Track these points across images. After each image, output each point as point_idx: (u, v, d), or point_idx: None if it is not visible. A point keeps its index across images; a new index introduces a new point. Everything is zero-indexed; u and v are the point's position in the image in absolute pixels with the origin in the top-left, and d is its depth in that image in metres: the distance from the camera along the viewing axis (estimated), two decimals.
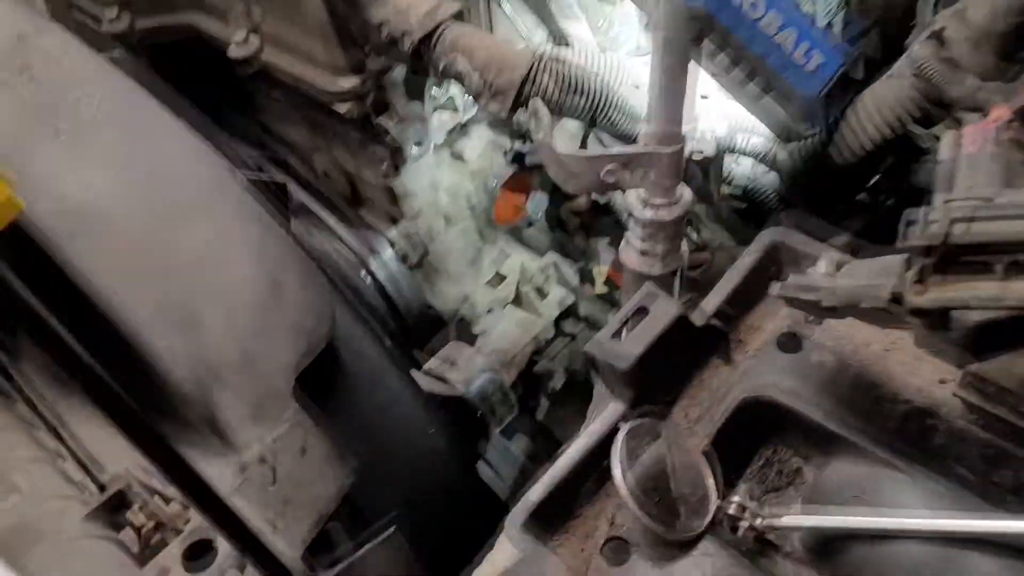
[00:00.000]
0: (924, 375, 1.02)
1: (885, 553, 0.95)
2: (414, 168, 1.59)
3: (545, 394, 1.86)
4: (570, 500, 1.00)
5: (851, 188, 1.37)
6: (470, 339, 1.75)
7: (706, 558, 0.96)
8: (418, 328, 1.66)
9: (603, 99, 1.28)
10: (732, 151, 1.37)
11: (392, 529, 1.10)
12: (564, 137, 1.49)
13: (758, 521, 1.01)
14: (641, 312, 1.04)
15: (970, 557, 0.90)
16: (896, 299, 0.85)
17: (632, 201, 1.15)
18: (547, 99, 1.23)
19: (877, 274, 0.88)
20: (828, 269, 0.97)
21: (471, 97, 1.30)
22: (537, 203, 1.96)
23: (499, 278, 1.82)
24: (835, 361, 1.06)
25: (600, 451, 1.01)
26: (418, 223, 1.67)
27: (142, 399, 1.00)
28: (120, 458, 0.94)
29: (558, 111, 1.27)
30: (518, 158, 1.83)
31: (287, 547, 0.95)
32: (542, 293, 1.84)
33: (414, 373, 1.48)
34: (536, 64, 1.23)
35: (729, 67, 1.13)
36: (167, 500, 0.90)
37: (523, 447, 1.86)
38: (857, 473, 1.02)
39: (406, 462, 1.18)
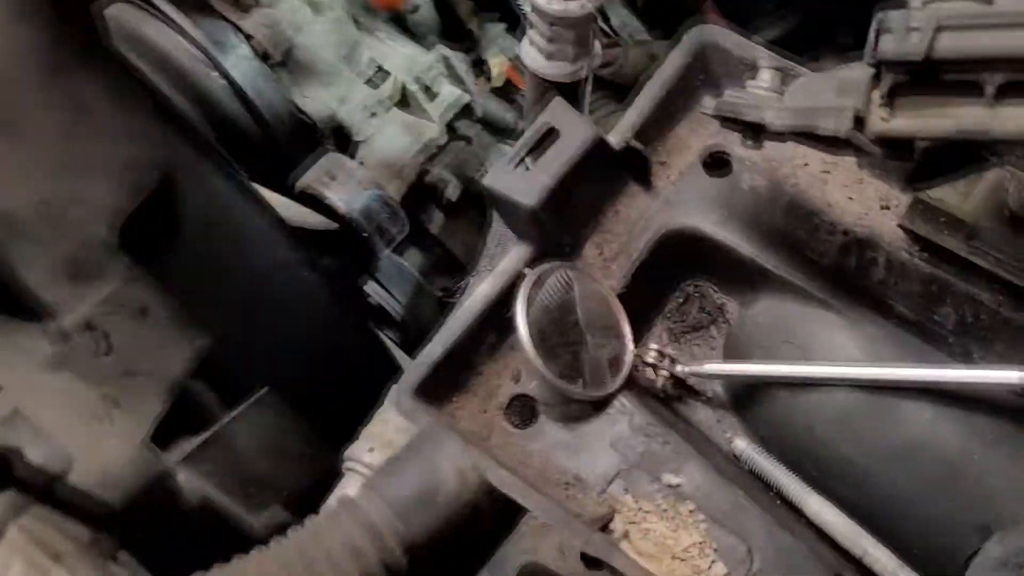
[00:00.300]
0: (866, 200, 0.90)
1: (813, 401, 0.87)
2: None
3: (439, 207, 1.69)
4: (470, 355, 0.87)
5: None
6: (350, 153, 1.54)
7: (622, 416, 0.86)
8: (288, 141, 1.44)
9: None
10: None
11: (264, 390, 0.95)
12: None
13: (678, 368, 0.91)
14: (548, 135, 0.86)
15: (903, 404, 0.83)
16: (859, 123, 0.70)
17: None
18: None
19: (835, 92, 0.72)
20: (772, 83, 0.80)
21: None
22: None
23: (381, 75, 1.58)
24: (768, 186, 0.93)
25: (502, 300, 0.87)
26: (279, 11, 1.40)
27: None
28: None
29: None
30: None
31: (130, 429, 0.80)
32: (431, 92, 1.61)
33: (284, 202, 1.28)
34: None
35: None
36: None
37: (417, 263, 1.71)
38: (787, 313, 0.92)
39: (279, 314, 1.01)
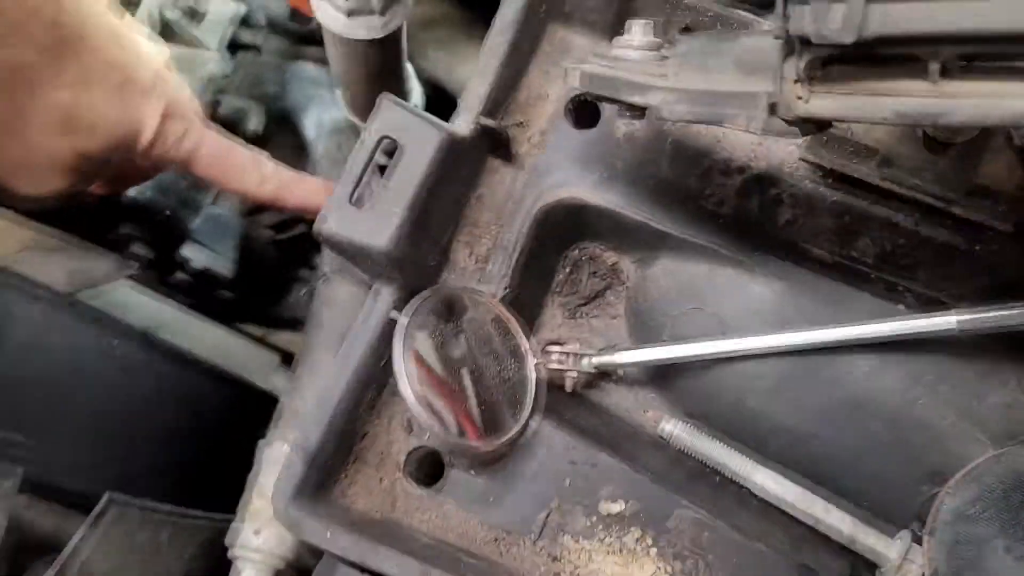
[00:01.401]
0: None
1: (741, 371, 0.79)
2: None
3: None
4: (350, 421, 0.72)
5: None
6: None
7: (538, 444, 0.75)
8: None
9: None
10: None
11: (105, 499, 0.78)
12: None
13: (585, 363, 0.80)
14: (385, 147, 0.67)
15: (837, 362, 0.76)
16: (772, 109, 0.56)
17: None
18: None
19: (738, 70, 0.57)
20: (647, 41, 0.64)
21: None
22: None
23: (128, 6, 1.26)
24: (644, 131, 0.78)
25: (375, 353, 0.71)
26: None
27: None
28: None
29: None
30: None
31: None
32: (197, 13, 1.31)
33: None
34: None
35: None
36: None
37: (233, 207, 1.48)
38: (692, 275, 0.81)
39: (90, 406, 0.80)
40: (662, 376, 0.83)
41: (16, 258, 0.96)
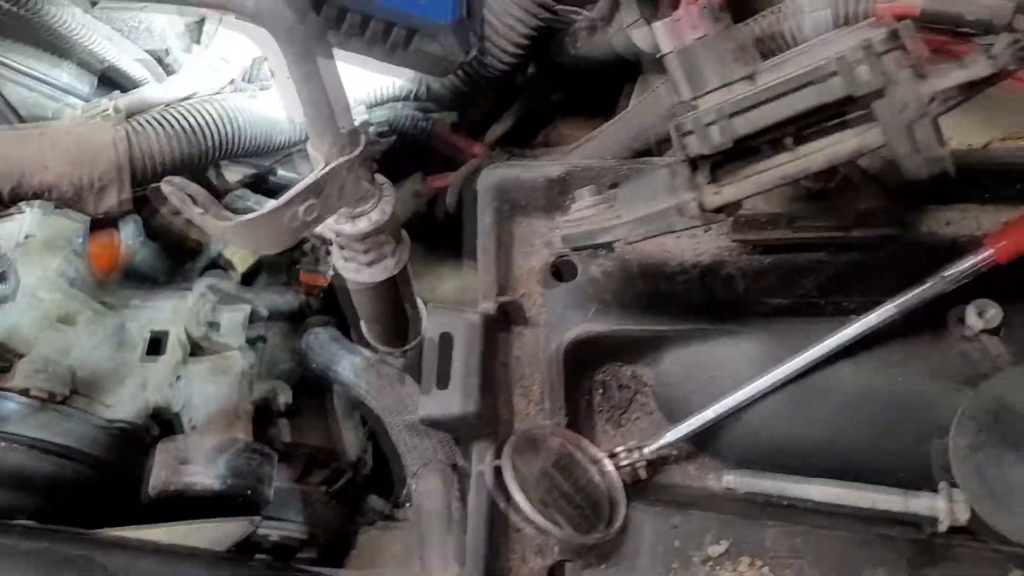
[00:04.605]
0: (688, 232, 1.02)
1: (760, 411, 0.98)
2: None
3: (278, 415, 1.64)
4: (498, 564, 0.89)
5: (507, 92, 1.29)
6: (178, 427, 1.45)
7: (641, 526, 0.92)
8: (120, 461, 1.32)
9: (231, 127, 1.01)
10: (380, 104, 1.18)
11: None
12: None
13: (646, 453, 0.99)
14: (444, 341, 0.89)
15: (825, 376, 0.96)
16: (700, 206, 0.80)
17: (336, 223, 0.95)
18: (167, 165, 0.94)
19: (663, 192, 0.82)
20: (594, 199, 0.89)
21: (65, 206, 0.93)
22: (131, 229, 1.60)
23: (159, 341, 1.50)
24: (614, 265, 1.02)
25: (491, 504, 0.89)
26: (40, 352, 1.27)
27: None
28: None
29: (186, 169, 0.99)
30: None
31: None
32: (214, 325, 1.55)
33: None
34: (133, 126, 0.91)
35: (359, 31, 0.93)
36: None
37: (288, 476, 1.65)
38: (693, 354, 1.02)
39: None
40: (706, 443, 1.02)
41: None
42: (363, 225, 0.96)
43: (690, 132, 0.76)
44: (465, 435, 0.91)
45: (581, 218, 0.89)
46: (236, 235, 0.87)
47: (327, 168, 0.89)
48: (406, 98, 1.22)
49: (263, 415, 1.61)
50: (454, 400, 0.86)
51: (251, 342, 1.65)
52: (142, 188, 0.97)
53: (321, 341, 1.55)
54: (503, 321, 0.97)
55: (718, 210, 0.81)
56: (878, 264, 0.97)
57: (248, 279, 1.73)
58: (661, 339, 1.02)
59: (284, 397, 1.61)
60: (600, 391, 1.06)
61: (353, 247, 1.00)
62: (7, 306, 1.23)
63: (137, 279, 1.62)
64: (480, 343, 0.88)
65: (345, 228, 0.96)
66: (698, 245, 1.02)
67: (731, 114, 0.74)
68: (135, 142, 0.93)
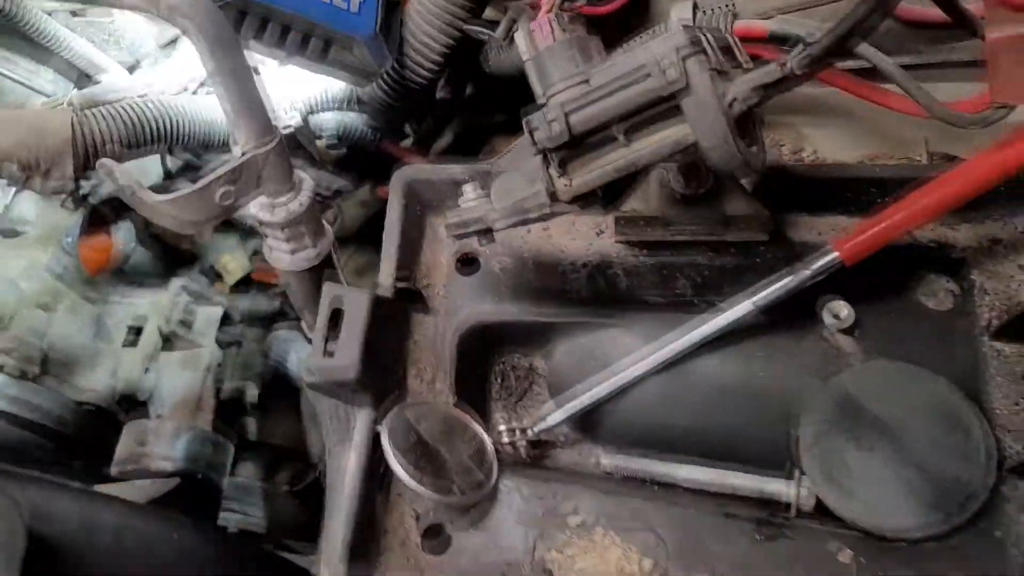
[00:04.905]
0: (585, 234, 1.12)
1: (635, 398, 1.06)
2: None
3: (246, 413, 1.75)
4: (369, 519, 0.97)
5: (430, 101, 1.41)
6: (145, 412, 1.56)
7: (511, 495, 1.00)
8: (87, 438, 1.45)
9: (171, 121, 1.14)
10: (314, 112, 1.31)
11: None
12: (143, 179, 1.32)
13: (529, 433, 1.07)
14: (335, 315, 0.99)
15: (693, 366, 1.04)
16: (552, 196, 0.90)
17: (258, 211, 1.07)
18: (111, 151, 1.07)
19: (525, 184, 0.92)
20: (477, 193, 0.99)
21: (13, 186, 1.06)
22: (124, 233, 1.74)
23: (135, 332, 1.62)
24: (512, 261, 1.12)
25: (371, 465, 0.98)
26: (15, 331, 1.41)
27: None
28: None
29: (128, 156, 1.12)
30: (80, 200, 1.59)
31: None
32: (187, 323, 1.68)
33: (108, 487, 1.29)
34: (81, 115, 1.05)
35: (280, 39, 1.06)
36: None
37: (252, 472, 1.75)
38: (580, 345, 1.11)
39: None
40: (588, 429, 1.10)
41: None
42: (281, 215, 1.08)
43: (536, 128, 0.86)
44: (349, 401, 1.00)
45: (465, 209, 0.98)
46: (160, 211, 0.99)
47: (243, 157, 1.01)
48: (339, 106, 1.34)
49: (234, 411, 1.72)
50: (335, 365, 0.96)
51: (226, 344, 1.78)
52: (86, 171, 1.09)
53: (279, 339, 1.66)
54: (400, 305, 1.07)
55: (571, 200, 0.90)
56: (748, 266, 1.05)
57: (241, 288, 1.87)
58: (552, 330, 1.10)
59: (251, 395, 1.72)
60: (499, 379, 1.14)
61: (276, 235, 1.11)
62: None
63: (129, 279, 1.76)
64: (366, 317, 0.98)
65: (264, 216, 1.08)
66: (589, 246, 1.11)
67: (568, 111, 0.84)
68: (81, 128, 1.06)
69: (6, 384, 1.39)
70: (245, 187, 1.03)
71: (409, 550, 0.98)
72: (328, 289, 1.00)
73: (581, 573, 0.94)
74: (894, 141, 1.10)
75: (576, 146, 0.87)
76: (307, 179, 1.10)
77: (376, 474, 0.98)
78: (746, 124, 0.83)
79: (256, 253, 1.83)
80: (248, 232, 1.84)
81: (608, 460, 1.06)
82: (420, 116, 1.41)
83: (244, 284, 1.87)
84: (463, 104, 1.43)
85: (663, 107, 0.81)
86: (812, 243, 1.05)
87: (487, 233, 0.97)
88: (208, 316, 1.69)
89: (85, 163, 1.07)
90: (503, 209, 0.93)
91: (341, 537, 0.94)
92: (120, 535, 1.02)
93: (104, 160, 0.96)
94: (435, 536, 0.99)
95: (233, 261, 1.85)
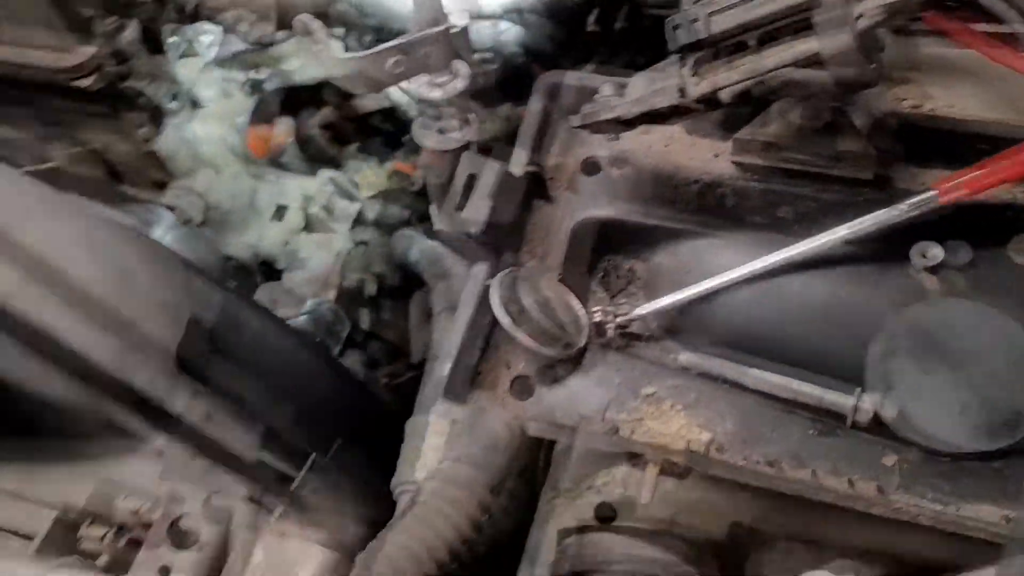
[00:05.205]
0: (702, 155, 1.22)
1: (724, 303, 1.15)
2: (172, 126, 1.52)
3: (362, 305, 1.92)
4: (471, 361, 1.11)
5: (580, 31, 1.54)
6: (279, 279, 1.76)
7: (595, 363, 1.12)
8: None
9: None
10: (481, 16, 1.46)
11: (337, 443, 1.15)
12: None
13: (619, 319, 1.18)
14: (470, 180, 1.13)
15: (783, 281, 1.13)
16: (682, 92, 1.01)
17: (420, 87, 1.22)
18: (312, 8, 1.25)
19: (657, 80, 1.04)
20: (612, 91, 1.11)
21: (226, 31, 1.25)
22: (284, 127, 1.95)
23: (281, 210, 1.82)
24: (632, 170, 1.23)
25: (480, 313, 1.12)
26: (190, 181, 1.62)
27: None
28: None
29: (325, 18, 1.29)
30: (255, 87, 1.80)
31: None
32: (329, 210, 1.86)
33: None
34: None
35: None
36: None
37: (357, 358, 1.92)
38: (681, 252, 1.21)
39: (309, 393, 1.21)
40: (676, 328, 1.20)
41: None
42: (438, 94, 1.23)
43: (679, 26, 0.98)
44: (469, 256, 1.14)
45: (598, 100, 1.11)
46: (340, 67, 1.15)
47: (419, 34, 1.17)
48: (503, 15, 1.48)
49: (351, 300, 1.91)
50: (465, 220, 1.10)
51: (356, 241, 1.96)
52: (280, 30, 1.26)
53: (404, 235, 1.84)
54: (527, 186, 1.20)
55: (698, 99, 1.01)
56: (849, 203, 1.13)
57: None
58: (656, 235, 1.21)
59: (370, 288, 1.90)
60: (601, 275, 1.26)
61: (430, 113, 1.26)
62: (170, 135, 1.58)
63: (282, 167, 1.97)
64: (497, 183, 1.12)
65: (425, 92, 1.23)
66: (704, 166, 1.21)
67: (710, 13, 0.95)
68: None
69: (173, 224, 1.61)
70: (413, 62, 1.18)
71: (498, 393, 1.11)
72: (467, 156, 1.15)
73: (645, 433, 1.05)
74: None
75: (712, 46, 0.98)
76: (464, 68, 1.25)
77: (483, 325, 1.12)
78: (869, 44, 0.92)
79: (395, 174, 2.01)
80: (384, 156, 2.03)
81: (686, 356, 1.16)
82: (569, 46, 1.53)
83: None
84: (612, 41, 1.54)
85: (797, 18, 0.92)
86: (915, 192, 1.12)
87: (614, 125, 1.10)
88: (346, 209, 1.88)
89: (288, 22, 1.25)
90: (633, 100, 1.05)
91: (446, 371, 1.08)
92: (262, 334, 1.20)
93: (302, 16, 1.13)
94: (522, 385, 1.12)
95: (372, 175, 2.04)
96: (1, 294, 0.92)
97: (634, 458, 1.13)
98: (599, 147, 1.25)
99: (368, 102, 1.97)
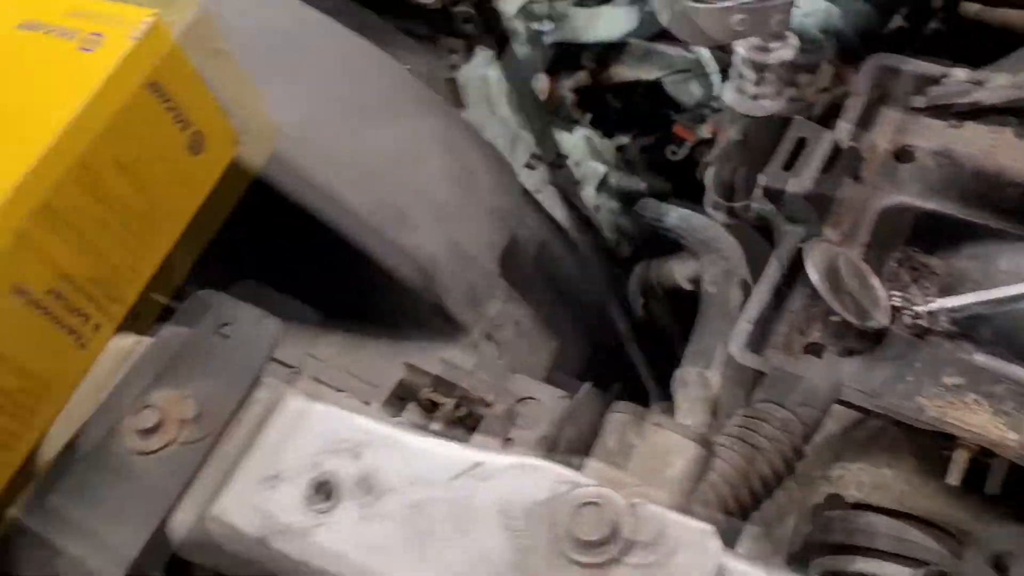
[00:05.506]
0: None
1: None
2: (482, 57, 1.60)
3: None
4: (772, 317, 1.13)
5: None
6: None
7: (893, 343, 1.12)
8: None
9: None
10: None
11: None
12: None
13: (918, 307, 1.18)
14: (799, 144, 1.15)
15: None
16: None
17: (747, 49, 1.25)
18: None
19: None
20: (966, 76, 1.11)
21: None
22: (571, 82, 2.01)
23: (535, 158, 1.88)
24: (949, 163, 1.22)
25: (788, 275, 1.14)
26: (472, 113, 1.70)
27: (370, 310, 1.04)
28: None
29: None
30: (532, 39, 1.87)
31: None
32: (579, 164, 1.91)
33: None
34: None
35: None
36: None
37: None
38: (989, 255, 1.20)
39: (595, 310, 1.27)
40: (972, 328, 1.18)
41: None
42: (767, 57, 1.25)
43: None
44: (791, 215, 1.16)
45: (951, 84, 1.10)
46: (678, 16, 1.19)
47: (767, 4, 1.19)
48: None
49: None
50: (795, 179, 1.12)
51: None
52: None
53: (651, 204, 1.87)
54: (845, 160, 1.21)
55: None
56: None
57: None
58: (962, 229, 1.20)
59: (624, 249, 1.95)
60: (896, 263, 1.26)
61: (750, 76, 1.29)
62: (474, 66, 1.65)
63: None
64: (827, 152, 1.13)
65: (753, 55, 1.26)
66: None
67: None
68: None
69: None
70: (755, 23, 1.21)
71: (791, 352, 1.13)
72: (798, 121, 1.16)
73: (954, 419, 1.04)
74: None
75: None
76: (794, 39, 1.27)
77: (785, 285, 1.14)
78: None
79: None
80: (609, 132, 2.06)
81: (983, 358, 1.15)
82: (872, 39, 1.52)
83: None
84: (919, 42, 1.52)
85: None
86: None
87: (964, 117, 1.09)
88: (595, 170, 1.93)
89: None
90: (999, 87, 1.04)
91: (745, 326, 1.11)
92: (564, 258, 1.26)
93: None
94: (815, 352, 1.13)
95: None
96: None
97: (871, 455, 1.13)
98: (918, 136, 1.24)
99: (626, 71, 2.01)
